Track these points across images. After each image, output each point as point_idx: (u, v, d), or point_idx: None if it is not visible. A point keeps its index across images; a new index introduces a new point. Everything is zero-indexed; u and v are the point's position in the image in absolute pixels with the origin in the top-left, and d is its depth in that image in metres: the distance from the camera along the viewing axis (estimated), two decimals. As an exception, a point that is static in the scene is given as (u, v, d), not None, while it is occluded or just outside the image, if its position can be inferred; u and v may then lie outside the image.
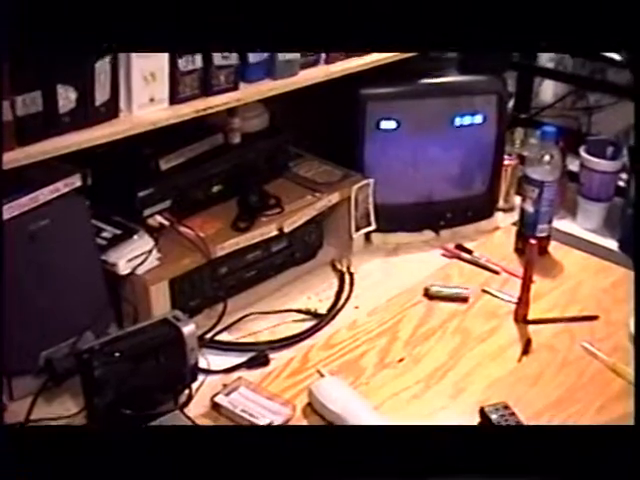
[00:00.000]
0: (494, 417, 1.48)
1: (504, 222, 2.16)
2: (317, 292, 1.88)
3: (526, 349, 1.69)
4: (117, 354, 1.43)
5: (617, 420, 1.49)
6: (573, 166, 2.21)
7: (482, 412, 1.50)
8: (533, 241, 1.77)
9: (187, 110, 1.56)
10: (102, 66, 1.43)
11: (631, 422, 1.35)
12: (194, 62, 1.55)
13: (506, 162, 2.15)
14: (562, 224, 2.14)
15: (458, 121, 2.01)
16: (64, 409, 1.53)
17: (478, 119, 2.02)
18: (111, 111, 1.48)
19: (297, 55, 1.70)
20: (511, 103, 2.40)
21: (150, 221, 1.68)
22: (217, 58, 1.58)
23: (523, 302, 1.77)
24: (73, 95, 1.41)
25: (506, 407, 1.50)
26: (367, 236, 2.03)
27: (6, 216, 1.41)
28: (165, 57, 1.51)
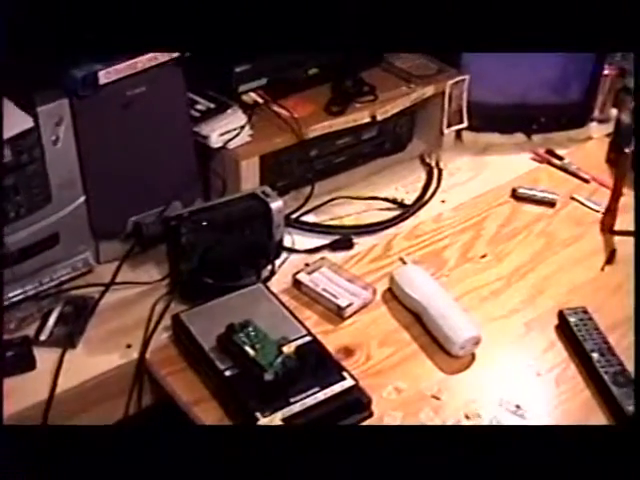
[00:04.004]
0: (572, 320, 1.48)
1: (598, 132, 2.10)
2: (404, 184, 1.87)
3: (610, 259, 1.68)
4: (205, 223, 1.45)
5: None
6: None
7: (561, 315, 1.50)
8: (628, 150, 1.74)
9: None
10: None
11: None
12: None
13: (606, 72, 2.10)
14: (658, 140, 2.09)
15: (561, 25, 1.96)
16: (148, 276, 1.56)
17: (582, 24, 1.97)
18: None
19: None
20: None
21: (245, 97, 1.68)
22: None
23: (611, 212, 1.75)
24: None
25: (585, 312, 1.49)
26: (458, 133, 2.00)
27: (103, 81, 1.42)
28: None
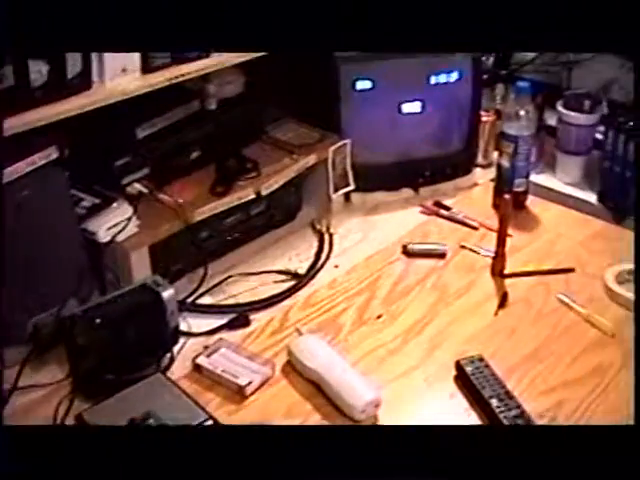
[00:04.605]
0: (469, 369, 1.51)
1: (483, 178, 2.17)
2: (297, 253, 1.91)
3: (502, 303, 1.73)
4: (98, 320, 1.46)
5: (591, 372, 1.53)
6: (553, 121, 2.21)
7: (458, 365, 1.53)
8: (507, 196, 1.80)
9: (159, 79, 1.58)
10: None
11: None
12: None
13: (484, 118, 2.17)
14: (541, 178, 2.16)
15: (434, 79, 2.02)
16: (51, 376, 1.56)
17: (454, 76, 2.03)
18: (84, 83, 1.50)
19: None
20: (491, 60, 2.40)
21: (129, 189, 1.70)
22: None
23: (499, 256, 1.80)
24: (45, 69, 1.44)
25: (481, 359, 1.53)
26: (346, 196, 2.05)
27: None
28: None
